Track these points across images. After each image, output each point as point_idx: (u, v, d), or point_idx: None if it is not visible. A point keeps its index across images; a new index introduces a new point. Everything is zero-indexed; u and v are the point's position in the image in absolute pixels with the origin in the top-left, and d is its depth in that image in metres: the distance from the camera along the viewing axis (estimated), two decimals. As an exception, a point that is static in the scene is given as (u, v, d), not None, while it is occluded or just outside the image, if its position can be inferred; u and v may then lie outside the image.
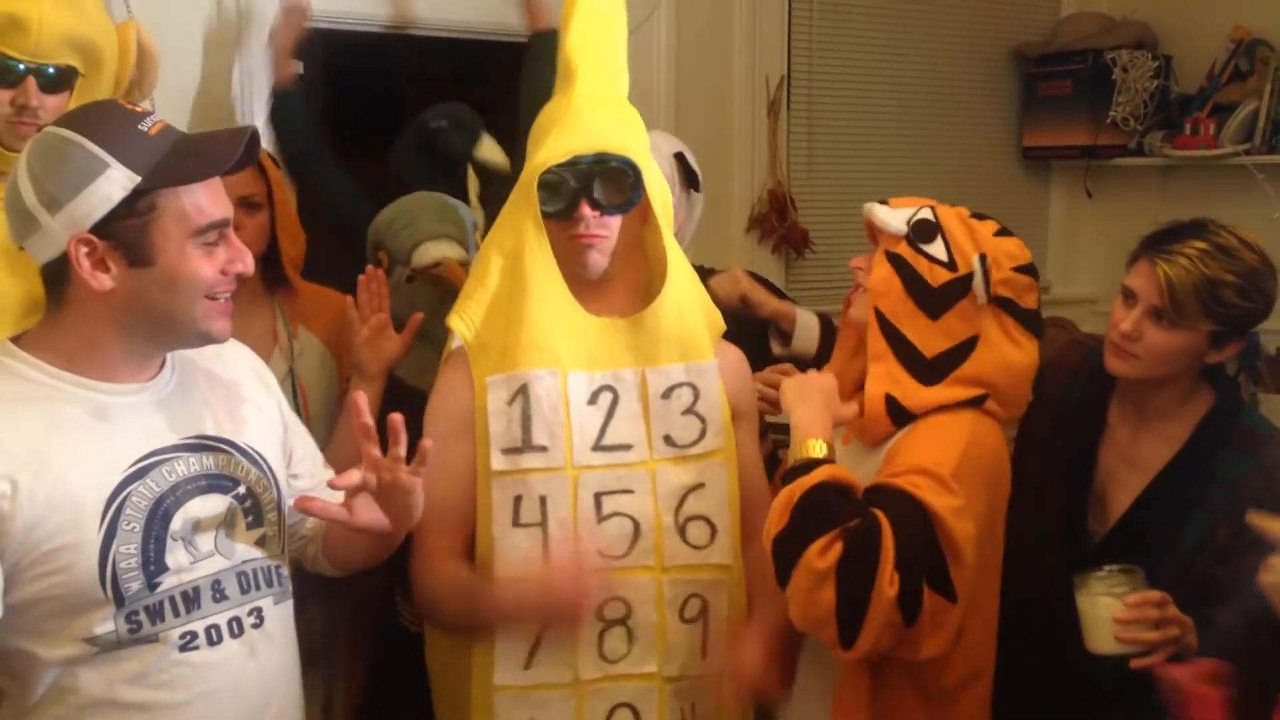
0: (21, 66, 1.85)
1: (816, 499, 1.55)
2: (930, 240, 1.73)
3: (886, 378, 1.73)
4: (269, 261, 2.29)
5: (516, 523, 1.70)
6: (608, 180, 1.67)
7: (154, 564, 1.44)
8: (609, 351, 1.72)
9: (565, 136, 1.71)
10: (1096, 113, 3.65)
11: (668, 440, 1.72)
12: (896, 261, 1.74)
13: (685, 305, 1.72)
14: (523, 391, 1.70)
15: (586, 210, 1.67)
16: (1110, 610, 1.61)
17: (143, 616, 1.43)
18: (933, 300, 1.72)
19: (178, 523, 1.46)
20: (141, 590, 1.42)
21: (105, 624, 1.41)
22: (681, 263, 1.77)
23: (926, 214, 1.76)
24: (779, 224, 3.46)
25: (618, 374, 1.72)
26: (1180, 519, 1.76)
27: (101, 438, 1.43)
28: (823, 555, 1.49)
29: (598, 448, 1.70)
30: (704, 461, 1.73)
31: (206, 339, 1.49)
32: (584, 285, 1.74)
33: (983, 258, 1.72)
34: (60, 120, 1.45)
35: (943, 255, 1.73)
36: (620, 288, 1.75)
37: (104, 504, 1.40)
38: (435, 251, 2.13)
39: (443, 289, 2.10)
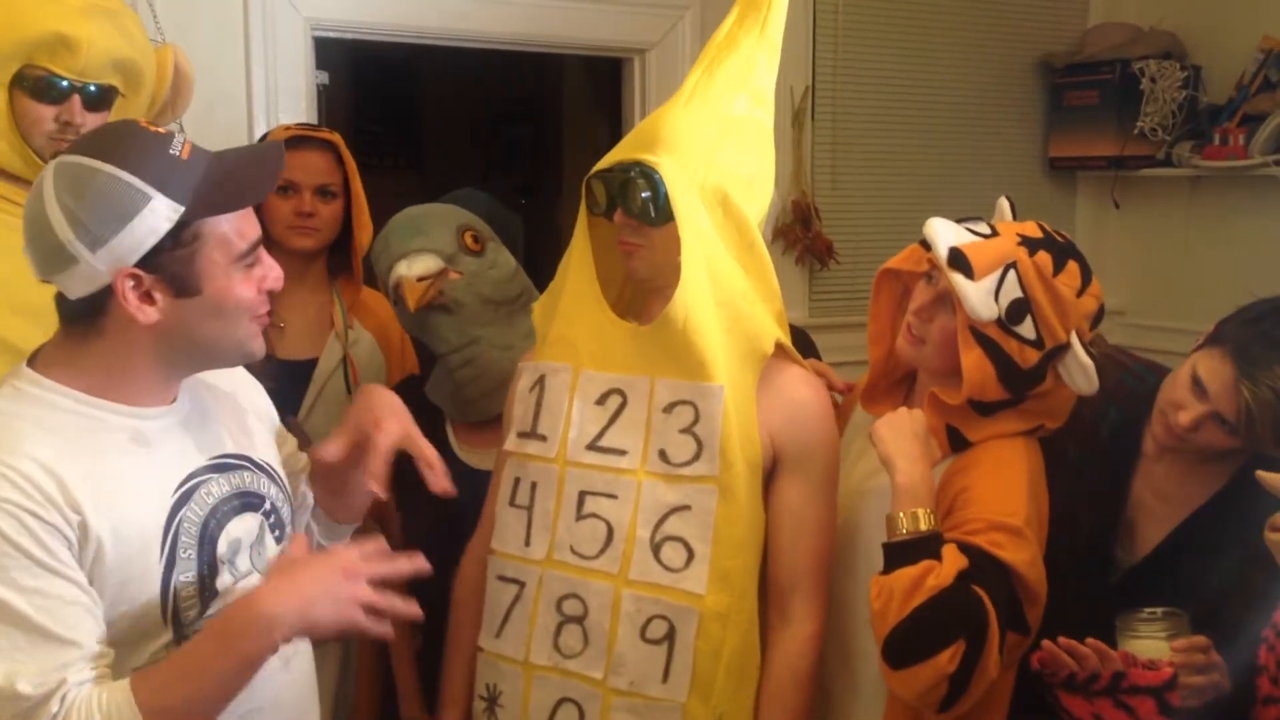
0: (66, 84, 1.88)
1: (949, 604, 1.52)
2: (1020, 321, 1.67)
3: (945, 412, 1.73)
4: (337, 249, 2.34)
5: (512, 502, 1.76)
6: (626, 189, 1.67)
7: (208, 590, 1.42)
8: (626, 356, 1.71)
9: (623, 143, 1.76)
10: (1124, 123, 3.61)
11: (662, 455, 1.67)
12: (988, 346, 1.68)
13: (694, 322, 1.64)
14: (540, 381, 1.76)
15: (620, 218, 1.69)
16: (1158, 654, 1.58)
17: None
18: (1021, 381, 1.70)
19: (222, 545, 1.45)
20: (196, 617, 1.41)
21: (158, 653, 1.38)
22: (701, 281, 1.66)
23: (1015, 288, 1.67)
24: (803, 235, 3.45)
25: (630, 379, 1.70)
26: (1213, 559, 1.72)
27: (145, 464, 1.39)
28: (952, 660, 1.51)
29: (592, 447, 1.70)
30: (693, 485, 1.65)
31: (249, 358, 1.48)
32: (637, 290, 1.78)
33: (1076, 336, 1.68)
34: (83, 148, 1.35)
35: (1031, 334, 1.68)
36: (668, 298, 1.70)
37: (161, 532, 1.38)
38: (400, 271, 2.02)
39: (427, 307, 2.03)
